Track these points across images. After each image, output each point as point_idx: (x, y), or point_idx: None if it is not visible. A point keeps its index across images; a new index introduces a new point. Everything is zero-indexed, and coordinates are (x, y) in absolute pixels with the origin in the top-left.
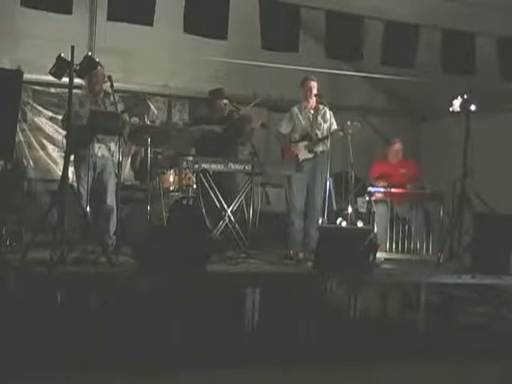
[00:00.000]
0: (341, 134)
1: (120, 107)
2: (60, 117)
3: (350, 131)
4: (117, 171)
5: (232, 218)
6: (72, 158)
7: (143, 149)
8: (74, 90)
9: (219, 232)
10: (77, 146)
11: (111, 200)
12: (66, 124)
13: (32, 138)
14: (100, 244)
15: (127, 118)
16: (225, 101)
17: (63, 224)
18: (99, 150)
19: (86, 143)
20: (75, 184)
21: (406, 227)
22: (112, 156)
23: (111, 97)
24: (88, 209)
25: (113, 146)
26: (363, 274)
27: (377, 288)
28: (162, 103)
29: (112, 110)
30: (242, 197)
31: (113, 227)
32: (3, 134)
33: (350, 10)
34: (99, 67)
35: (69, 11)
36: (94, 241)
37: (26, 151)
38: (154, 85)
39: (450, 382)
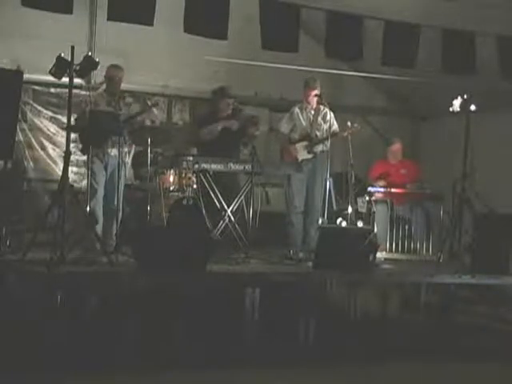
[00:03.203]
0: (344, 134)
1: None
2: (60, 117)
3: (350, 132)
4: (125, 172)
5: (232, 217)
6: (85, 158)
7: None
8: (75, 90)
9: (219, 232)
10: (90, 145)
11: (117, 200)
12: (77, 124)
13: (32, 138)
14: (100, 244)
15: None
16: (229, 100)
17: (63, 224)
18: (112, 150)
19: (99, 143)
20: (76, 184)
21: (406, 227)
22: (123, 157)
23: (126, 98)
24: (88, 208)
25: (123, 146)
26: (363, 274)
27: (377, 288)
28: (162, 103)
29: (126, 111)
30: (242, 197)
31: (115, 227)
32: (3, 134)
33: (349, 9)
34: (120, 69)
35: (69, 11)
36: (95, 241)
37: (26, 151)
38: (154, 85)
39: (450, 381)
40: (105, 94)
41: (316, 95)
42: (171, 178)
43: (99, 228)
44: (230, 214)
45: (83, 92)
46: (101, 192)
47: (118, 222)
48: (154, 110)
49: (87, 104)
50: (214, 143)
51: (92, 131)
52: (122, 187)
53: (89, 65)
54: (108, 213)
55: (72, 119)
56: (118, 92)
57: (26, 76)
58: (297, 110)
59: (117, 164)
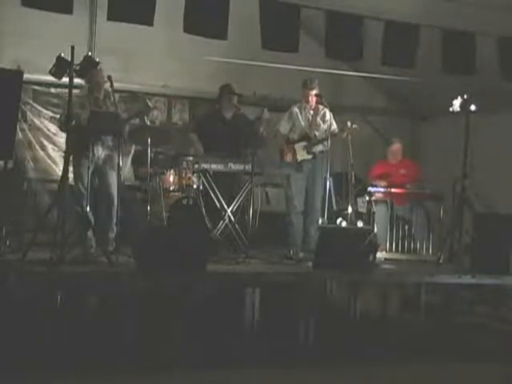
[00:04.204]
0: (343, 135)
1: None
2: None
3: (350, 132)
4: (118, 171)
5: (232, 217)
6: (72, 158)
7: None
8: (74, 91)
9: (219, 232)
10: (78, 146)
11: (113, 200)
12: (64, 124)
13: (32, 138)
14: (100, 244)
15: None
16: (233, 97)
17: (63, 224)
18: (101, 150)
19: (87, 144)
20: (75, 184)
21: (406, 227)
22: (114, 156)
23: (111, 97)
24: (88, 208)
25: (115, 146)
26: (363, 274)
27: (377, 288)
28: (162, 103)
29: (113, 110)
30: (242, 197)
31: (113, 227)
32: (3, 134)
33: (349, 9)
34: (99, 67)
35: (69, 11)
36: (94, 241)
37: (26, 151)
38: (154, 85)
39: (450, 381)
40: (89, 94)
41: (316, 95)
42: (171, 178)
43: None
44: (230, 214)
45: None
46: (88, 195)
47: (117, 222)
48: (155, 111)
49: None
50: (218, 143)
51: (80, 133)
52: (115, 186)
53: (89, 65)
54: (104, 214)
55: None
56: (100, 90)
57: (25, 76)
58: (296, 109)
59: (106, 166)
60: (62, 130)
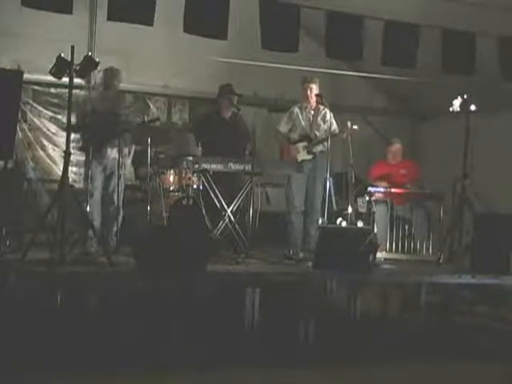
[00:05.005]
0: (343, 135)
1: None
2: (60, 117)
3: (350, 132)
4: (123, 172)
5: (232, 217)
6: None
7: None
8: (75, 90)
9: (219, 232)
10: (89, 146)
11: (118, 201)
12: (77, 123)
13: (32, 138)
14: (100, 244)
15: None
16: (233, 97)
17: (63, 224)
18: (111, 151)
19: (96, 144)
20: (76, 184)
21: (406, 227)
22: (122, 157)
23: (125, 99)
24: (88, 208)
25: (123, 147)
26: (363, 274)
27: (377, 288)
28: (162, 103)
29: (125, 111)
30: (242, 197)
31: (114, 227)
32: (3, 134)
33: (349, 10)
34: (113, 66)
35: (69, 11)
36: (95, 241)
37: (26, 151)
38: (154, 85)
39: (450, 381)
40: (102, 94)
41: (316, 95)
42: (171, 178)
43: (96, 230)
44: (230, 214)
45: (83, 92)
46: (97, 194)
47: (119, 222)
48: (152, 106)
49: (86, 104)
50: (217, 143)
51: (93, 132)
52: (121, 188)
53: (89, 65)
54: (108, 214)
55: (73, 119)
56: (114, 90)
57: (25, 76)
58: (296, 109)
59: (115, 166)
60: (74, 131)
